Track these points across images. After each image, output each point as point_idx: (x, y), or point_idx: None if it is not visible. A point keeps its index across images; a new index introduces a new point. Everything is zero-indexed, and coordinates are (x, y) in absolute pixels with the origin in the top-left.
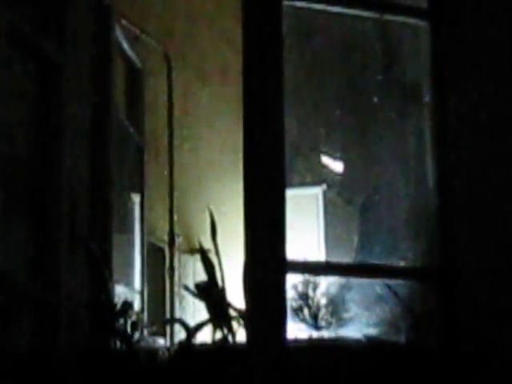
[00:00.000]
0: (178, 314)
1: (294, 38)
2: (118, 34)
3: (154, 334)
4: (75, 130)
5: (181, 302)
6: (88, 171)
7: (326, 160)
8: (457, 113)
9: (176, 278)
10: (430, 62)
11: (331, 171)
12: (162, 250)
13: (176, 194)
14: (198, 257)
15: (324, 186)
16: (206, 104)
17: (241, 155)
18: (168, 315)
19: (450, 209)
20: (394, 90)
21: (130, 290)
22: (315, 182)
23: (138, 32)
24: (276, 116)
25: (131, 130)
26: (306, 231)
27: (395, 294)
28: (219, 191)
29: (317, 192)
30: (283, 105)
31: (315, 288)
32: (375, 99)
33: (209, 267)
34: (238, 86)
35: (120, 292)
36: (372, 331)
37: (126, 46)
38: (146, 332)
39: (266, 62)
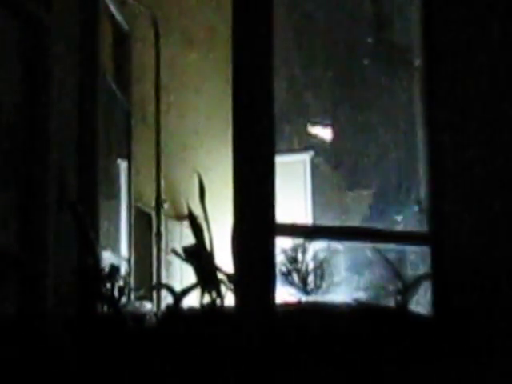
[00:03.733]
0: (165, 280)
1: (284, 0)
2: None
3: (141, 298)
4: (62, 93)
5: (168, 268)
6: (75, 135)
7: (313, 126)
8: (448, 76)
9: (163, 244)
10: (420, 24)
11: (319, 137)
12: (149, 216)
13: (163, 159)
14: (185, 223)
15: (311, 152)
16: (193, 69)
17: (228, 121)
18: (155, 280)
19: (441, 173)
20: (384, 53)
21: (116, 256)
22: (303, 149)
23: None
24: (265, 79)
25: (119, 93)
26: (293, 197)
27: (385, 258)
28: (206, 157)
29: (304, 158)
30: (272, 68)
31: (304, 252)
32: (365, 62)
33: (197, 230)
34: (226, 51)
35: (107, 258)
36: (362, 295)
37: (113, 9)
38: (133, 297)
39: (254, 24)
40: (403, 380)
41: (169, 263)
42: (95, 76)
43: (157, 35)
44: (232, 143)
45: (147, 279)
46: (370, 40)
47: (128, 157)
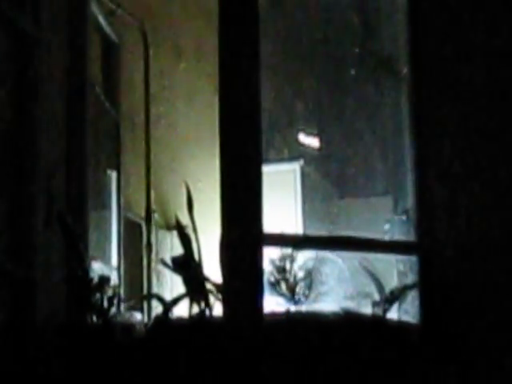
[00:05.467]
0: (155, 290)
1: (270, 10)
2: (94, 8)
3: (131, 309)
4: (50, 104)
5: (158, 278)
6: (64, 146)
7: (302, 136)
8: (434, 85)
9: (153, 254)
10: (406, 33)
11: (308, 146)
12: (139, 226)
13: (153, 170)
14: (175, 233)
15: (301, 162)
16: (182, 80)
17: (218, 131)
18: (145, 291)
19: (428, 183)
20: (370, 63)
21: (107, 267)
22: (292, 158)
23: (113, 7)
24: (252, 89)
25: (107, 104)
26: (283, 206)
27: (366, 269)
28: (196, 167)
29: (294, 167)
30: (259, 78)
31: (292, 262)
32: (352, 72)
33: (185, 241)
34: (215, 61)
35: (98, 268)
36: (349, 304)
37: (102, 20)
38: (123, 307)
39: (241, 35)
40: None
41: (159, 273)
42: (83, 87)
43: (146, 46)
44: (219, 154)
45: (138, 289)
46: (356, 50)
47: (117, 167)
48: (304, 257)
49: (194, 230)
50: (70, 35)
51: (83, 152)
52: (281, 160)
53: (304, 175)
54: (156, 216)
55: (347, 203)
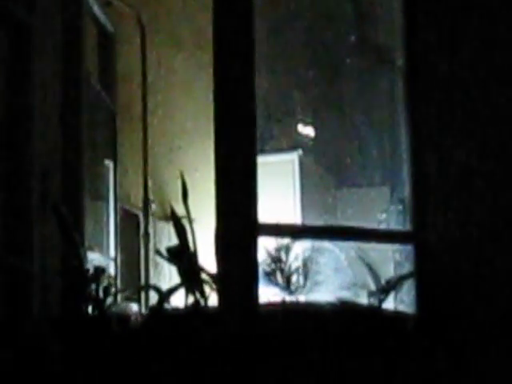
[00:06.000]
0: (153, 280)
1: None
2: None
3: (128, 299)
4: (45, 93)
5: (156, 268)
6: (59, 136)
7: (301, 126)
8: (430, 74)
9: (151, 245)
10: (402, 23)
11: (307, 136)
12: (136, 217)
13: (150, 160)
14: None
15: (300, 152)
16: (180, 70)
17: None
18: (143, 281)
19: (424, 172)
20: (367, 52)
21: (105, 257)
22: (291, 148)
23: None
24: (247, 78)
25: (104, 95)
26: (282, 196)
27: (361, 258)
28: (193, 158)
29: (292, 158)
30: (254, 67)
31: (288, 252)
32: (347, 61)
33: (180, 231)
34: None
35: (95, 259)
36: (345, 294)
37: (97, 10)
38: (119, 298)
39: (235, 24)
40: (386, 378)
41: (157, 264)
42: (79, 77)
43: (143, 36)
44: (214, 143)
45: (136, 280)
46: (352, 39)
47: (114, 158)
48: (301, 247)
49: (189, 220)
50: (64, 24)
51: (79, 142)
52: (279, 150)
53: (302, 165)
54: (154, 206)
55: (345, 193)
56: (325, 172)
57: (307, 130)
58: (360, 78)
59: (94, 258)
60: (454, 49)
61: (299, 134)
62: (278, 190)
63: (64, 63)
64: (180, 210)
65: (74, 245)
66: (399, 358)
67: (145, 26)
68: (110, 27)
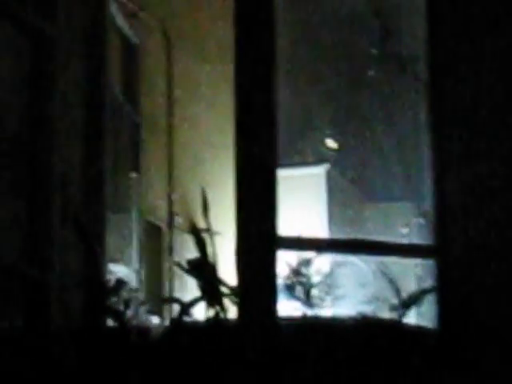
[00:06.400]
0: (177, 293)
1: (290, 12)
2: (114, 9)
3: (151, 312)
4: (67, 105)
5: (181, 281)
6: (81, 148)
7: (327, 140)
8: (454, 88)
9: (175, 258)
10: (426, 38)
11: (334, 150)
12: (161, 229)
13: (175, 173)
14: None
15: (327, 165)
16: (206, 82)
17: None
18: (167, 294)
19: (446, 186)
20: (390, 64)
21: (129, 269)
22: (318, 162)
23: (136, 9)
24: (268, 92)
25: (127, 106)
26: (309, 210)
27: (383, 273)
28: (219, 171)
29: (320, 171)
30: (276, 79)
31: (309, 265)
32: (372, 73)
33: (200, 243)
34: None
35: (120, 271)
36: (366, 308)
37: (121, 22)
38: (141, 310)
39: (257, 35)
40: None
41: (181, 276)
42: (102, 88)
43: (168, 48)
44: (234, 156)
45: (159, 293)
46: (375, 51)
47: (137, 170)
48: (323, 261)
49: (210, 232)
50: (87, 35)
51: (101, 154)
52: (306, 164)
53: (329, 179)
54: (179, 219)
55: (371, 208)
56: (351, 186)
57: (333, 144)
58: (384, 91)
59: (118, 271)
60: (477, 63)
61: (325, 148)
62: (305, 203)
63: (86, 74)
64: (203, 223)
65: (94, 256)
66: (420, 373)
67: (171, 38)
68: (134, 39)
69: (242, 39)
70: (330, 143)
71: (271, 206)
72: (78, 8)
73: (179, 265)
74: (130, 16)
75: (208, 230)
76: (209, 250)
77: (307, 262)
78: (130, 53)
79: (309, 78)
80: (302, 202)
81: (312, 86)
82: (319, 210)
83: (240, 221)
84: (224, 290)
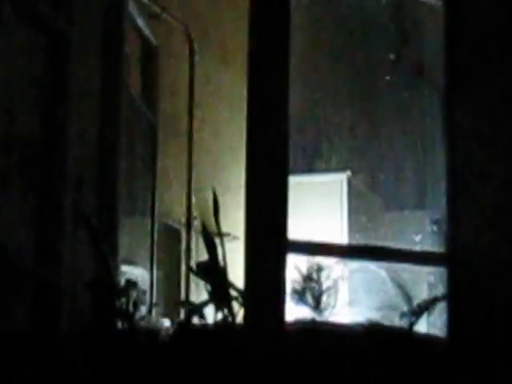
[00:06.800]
0: (193, 296)
1: (303, 14)
2: (133, 10)
3: (165, 315)
4: (83, 105)
5: (197, 285)
6: (95, 149)
7: (350, 147)
8: (469, 96)
9: (192, 261)
10: (444, 45)
11: (356, 157)
12: (178, 232)
13: (194, 176)
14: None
15: (348, 172)
16: (227, 86)
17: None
18: (183, 297)
19: (458, 193)
20: (407, 70)
21: (148, 273)
22: (340, 168)
23: (158, 11)
24: (281, 95)
25: (145, 108)
26: (329, 217)
27: (394, 280)
28: (239, 175)
29: (341, 178)
30: (288, 85)
31: (319, 271)
32: (391, 79)
33: (210, 246)
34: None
35: (136, 274)
36: (376, 315)
37: (141, 23)
38: (154, 313)
39: (271, 39)
40: None
41: (198, 281)
42: (118, 89)
43: (191, 50)
44: (245, 157)
45: (176, 296)
46: (392, 58)
47: (153, 172)
48: (334, 266)
49: (220, 235)
50: (105, 36)
51: (116, 155)
52: (327, 170)
53: (350, 186)
54: (196, 222)
55: (392, 215)
56: (372, 193)
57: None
58: (401, 98)
59: (135, 274)
60: (495, 69)
61: (347, 155)
62: (326, 210)
63: (103, 75)
64: (225, 228)
65: (104, 258)
66: (429, 382)
67: (193, 41)
68: (153, 40)
69: (256, 43)
70: (351, 150)
71: (282, 209)
72: (95, 7)
73: (189, 267)
74: (153, 17)
75: (218, 232)
76: (219, 252)
77: (318, 268)
78: (150, 54)
79: (325, 84)
80: (323, 209)
81: (328, 92)
82: (340, 217)
83: (250, 223)
84: (233, 293)
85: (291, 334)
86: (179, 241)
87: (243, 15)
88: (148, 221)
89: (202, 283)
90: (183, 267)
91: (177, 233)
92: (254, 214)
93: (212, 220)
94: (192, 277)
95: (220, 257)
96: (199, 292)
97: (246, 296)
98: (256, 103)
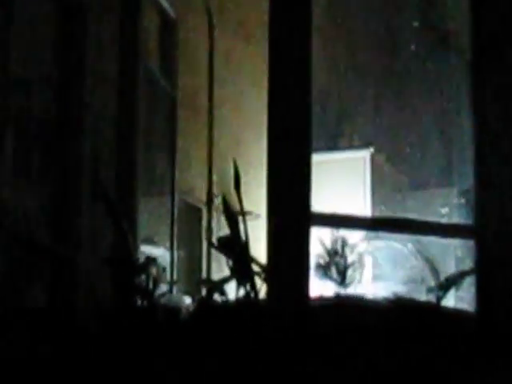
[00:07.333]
0: (215, 276)
1: None
2: None
3: (186, 293)
4: (100, 78)
5: (218, 263)
6: (113, 123)
7: (373, 123)
8: (497, 67)
9: (214, 239)
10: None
11: (378, 134)
12: (200, 210)
13: (215, 153)
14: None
15: (371, 149)
16: (247, 62)
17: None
18: (204, 275)
19: (488, 165)
20: (432, 38)
21: (169, 252)
22: (363, 145)
23: None
24: (303, 70)
25: (164, 82)
26: (352, 195)
27: (421, 254)
28: (260, 152)
29: (364, 155)
30: (310, 59)
31: (344, 244)
32: (417, 50)
33: (232, 221)
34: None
35: (156, 253)
36: (402, 289)
37: None
38: (175, 290)
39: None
40: (442, 380)
41: (220, 259)
42: (136, 63)
43: (210, 26)
44: (267, 130)
45: (197, 274)
46: (416, 24)
47: (173, 148)
48: (359, 240)
49: (242, 209)
50: (123, 7)
51: (134, 130)
52: (351, 147)
53: (373, 163)
54: (217, 200)
55: (414, 194)
56: (395, 171)
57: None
58: (426, 71)
59: (156, 253)
60: None
61: (371, 131)
62: (349, 187)
63: (121, 49)
64: (246, 205)
65: (122, 233)
66: (458, 359)
67: (212, 15)
68: (172, 13)
69: (278, 16)
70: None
71: (305, 182)
72: None
73: (210, 242)
74: None
75: (240, 206)
76: (241, 228)
77: (343, 241)
78: (169, 28)
79: (348, 57)
80: (346, 187)
81: (350, 66)
82: (363, 196)
83: (272, 196)
84: (255, 268)
85: (316, 310)
86: (200, 219)
87: None
88: (164, 199)
89: (223, 261)
90: (204, 245)
91: (198, 211)
92: (276, 186)
93: (234, 197)
94: (214, 255)
95: (242, 232)
96: (221, 270)
97: (269, 271)
98: (277, 79)
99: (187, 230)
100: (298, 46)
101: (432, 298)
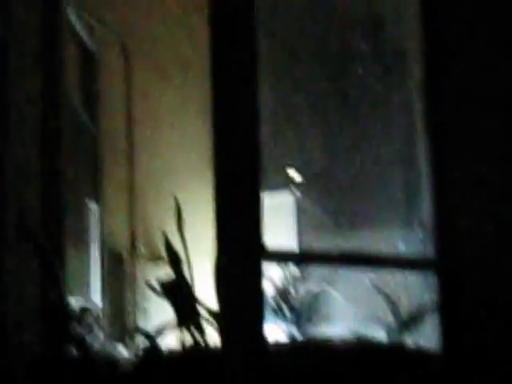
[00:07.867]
0: (140, 322)
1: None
2: (73, 18)
3: (114, 340)
4: (21, 118)
5: (142, 310)
6: (37, 169)
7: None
8: (453, 83)
9: (137, 287)
10: (419, 32)
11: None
12: (121, 257)
13: (138, 201)
14: (160, 265)
15: (297, 192)
16: (167, 102)
17: (208, 160)
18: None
19: (446, 195)
20: (380, 61)
21: (88, 303)
22: (288, 187)
23: (93, 22)
24: (250, 97)
25: (85, 118)
26: (278, 238)
27: (380, 290)
28: (186, 199)
29: (288, 199)
30: (258, 82)
31: (295, 283)
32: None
33: (175, 262)
34: (202, 83)
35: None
36: (360, 328)
37: (79, 30)
38: (106, 339)
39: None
40: None
41: (144, 305)
42: (58, 97)
43: (127, 65)
44: (213, 162)
45: (122, 322)
46: (364, 46)
47: (96, 195)
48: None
49: (184, 247)
50: (43, 41)
51: (58, 176)
52: (275, 189)
53: (299, 207)
54: (141, 248)
55: (352, 236)
56: (323, 214)
57: (296, 176)
58: (372, 89)
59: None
60: (476, 56)
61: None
62: (275, 230)
63: (43, 81)
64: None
65: (54, 280)
66: None
67: (130, 55)
68: (92, 48)
69: (219, 37)
70: (293, 174)
71: (255, 215)
72: (32, 11)
73: (151, 286)
74: (88, 28)
75: (183, 245)
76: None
77: (295, 280)
78: (90, 62)
79: (290, 84)
80: (271, 230)
81: (296, 88)
82: (290, 238)
83: (220, 233)
84: (202, 312)
85: (275, 357)
86: (123, 266)
87: (180, 32)
88: (86, 248)
89: (150, 308)
90: (128, 292)
91: (120, 258)
92: (225, 221)
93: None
94: (139, 301)
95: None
96: (145, 317)
97: (220, 315)
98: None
99: (111, 278)
100: (244, 75)
101: (392, 337)
